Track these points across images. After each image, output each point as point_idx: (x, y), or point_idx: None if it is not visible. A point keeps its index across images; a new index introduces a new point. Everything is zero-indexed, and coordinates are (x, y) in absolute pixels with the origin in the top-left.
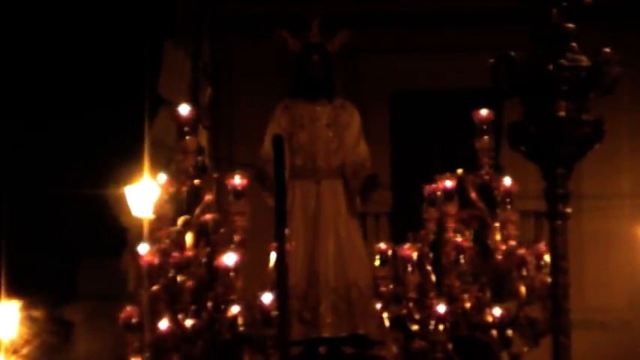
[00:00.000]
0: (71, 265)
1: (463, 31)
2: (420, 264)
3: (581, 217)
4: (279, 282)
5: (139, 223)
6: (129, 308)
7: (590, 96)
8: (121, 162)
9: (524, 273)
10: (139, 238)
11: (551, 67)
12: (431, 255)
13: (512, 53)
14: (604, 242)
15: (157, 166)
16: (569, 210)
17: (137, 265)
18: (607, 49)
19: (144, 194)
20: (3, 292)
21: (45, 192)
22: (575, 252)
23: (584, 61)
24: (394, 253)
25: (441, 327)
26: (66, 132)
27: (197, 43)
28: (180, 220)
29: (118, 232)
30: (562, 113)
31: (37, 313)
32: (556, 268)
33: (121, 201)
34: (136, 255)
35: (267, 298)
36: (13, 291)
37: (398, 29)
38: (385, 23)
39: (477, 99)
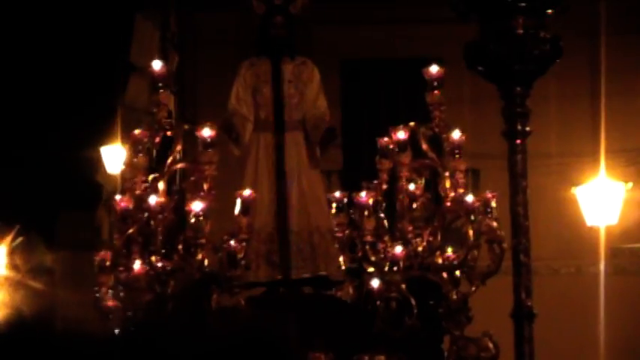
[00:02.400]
0: (51, 218)
1: (410, 2)
2: (374, 211)
3: None
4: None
5: (113, 179)
6: (103, 251)
7: (548, 13)
8: (96, 124)
9: (472, 218)
10: (114, 193)
11: None
12: (384, 203)
13: None
14: (534, 197)
15: (129, 127)
16: (528, 129)
17: (114, 211)
18: None
19: (117, 153)
20: None
21: (27, 152)
22: (508, 206)
23: None
24: (349, 201)
25: (395, 268)
26: (46, 96)
27: (165, 15)
28: (151, 177)
29: (94, 188)
30: (520, 31)
31: (19, 260)
32: (515, 186)
33: (97, 160)
34: (113, 201)
35: (232, 242)
36: None
37: (349, 1)
38: None
39: (422, 67)
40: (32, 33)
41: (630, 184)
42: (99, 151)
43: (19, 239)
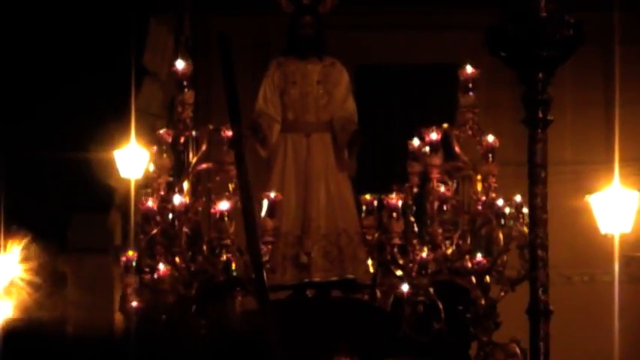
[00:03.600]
0: (63, 221)
1: (426, 9)
2: (403, 214)
3: (526, 182)
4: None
5: (126, 183)
6: (130, 252)
7: None
8: (109, 128)
9: (503, 222)
10: (126, 197)
11: None
12: (414, 207)
13: None
14: (548, 205)
15: (142, 131)
16: (550, 117)
17: (139, 211)
18: None
19: (131, 157)
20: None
21: (40, 155)
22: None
23: None
24: (379, 203)
25: (423, 272)
26: (59, 99)
27: (179, 19)
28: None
29: (107, 192)
30: (543, 14)
31: (31, 264)
32: (534, 176)
33: (110, 163)
34: (138, 202)
35: None
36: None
37: (364, 7)
38: (352, 0)
39: (437, 74)
40: (46, 36)
41: None
42: (112, 155)
43: (31, 246)
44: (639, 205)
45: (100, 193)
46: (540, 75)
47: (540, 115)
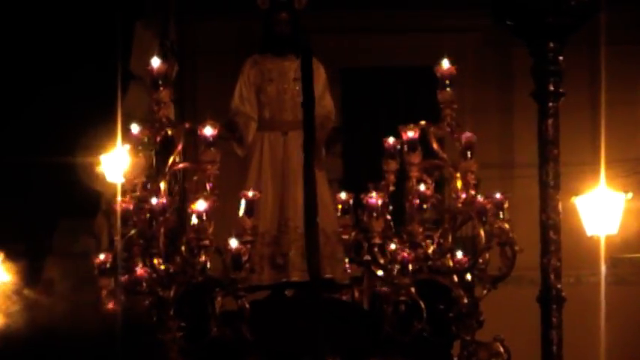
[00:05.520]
0: (49, 225)
1: (411, 11)
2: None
3: (513, 183)
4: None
5: (112, 188)
6: (104, 254)
7: None
8: (95, 132)
9: (484, 220)
10: (113, 202)
11: None
12: (390, 205)
13: None
14: (533, 207)
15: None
16: (561, 90)
17: (115, 212)
18: None
19: (117, 162)
20: None
21: (25, 159)
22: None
23: None
24: (355, 202)
25: (405, 271)
26: (45, 103)
27: (164, 24)
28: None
29: (93, 196)
30: None
31: (17, 269)
32: (545, 153)
33: (95, 168)
34: (114, 203)
35: (235, 243)
36: None
37: (348, 9)
38: (336, 4)
39: (421, 76)
40: (31, 40)
41: (630, 194)
42: (98, 159)
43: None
44: (625, 206)
45: (86, 197)
46: (551, 44)
47: (551, 87)
